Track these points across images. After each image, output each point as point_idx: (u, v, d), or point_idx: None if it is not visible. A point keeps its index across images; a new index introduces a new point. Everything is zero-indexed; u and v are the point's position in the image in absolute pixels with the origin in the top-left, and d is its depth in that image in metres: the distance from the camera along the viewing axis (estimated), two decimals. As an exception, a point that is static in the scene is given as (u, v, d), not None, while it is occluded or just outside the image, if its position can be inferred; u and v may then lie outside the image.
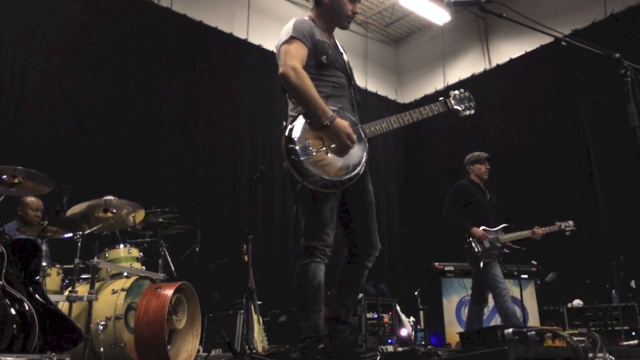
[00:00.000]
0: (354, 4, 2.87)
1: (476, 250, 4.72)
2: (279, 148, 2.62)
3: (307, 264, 2.64)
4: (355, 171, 2.64)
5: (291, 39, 2.65)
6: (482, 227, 4.79)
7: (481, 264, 4.68)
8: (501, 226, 4.88)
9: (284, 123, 2.68)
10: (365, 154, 2.70)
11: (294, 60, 2.59)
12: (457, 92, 3.03)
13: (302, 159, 2.51)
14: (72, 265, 3.69)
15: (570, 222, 5.02)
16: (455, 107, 3.00)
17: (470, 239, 4.76)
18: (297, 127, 2.58)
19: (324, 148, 2.59)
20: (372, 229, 2.87)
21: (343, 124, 2.61)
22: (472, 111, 3.01)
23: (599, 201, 7.01)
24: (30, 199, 4.90)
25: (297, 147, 2.52)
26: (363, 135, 2.73)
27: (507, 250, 4.81)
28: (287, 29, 2.70)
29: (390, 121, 2.82)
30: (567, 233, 5.02)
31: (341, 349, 2.68)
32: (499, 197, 5.14)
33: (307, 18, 2.84)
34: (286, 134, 2.58)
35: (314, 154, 2.55)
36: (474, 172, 5.07)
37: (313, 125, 2.59)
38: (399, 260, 9.12)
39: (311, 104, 2.57)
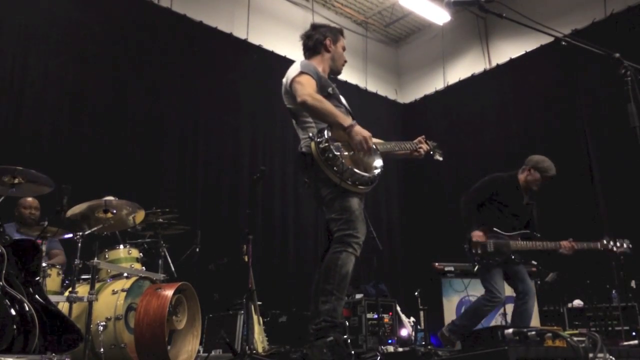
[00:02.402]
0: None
1: (473, 251, 4.42)
2: (305, 157, 2.86)
3: (340, 252, 2.79)
4: (379, 169, 2.92)
5: (301, 74, 2.96)
6: (481, 229, 4.38)
7: (476, 267, 4.38)
8: (518, 232, 4.43)
9: (302, 149, 2.98)
10: (381, 160, 2.98)
11: (308, 88, 2.90)
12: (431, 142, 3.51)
13: (337, 154, 2.76)
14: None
15: (625, 243, 4.24)
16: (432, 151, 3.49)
17: (471, 239, 4.44)
18: (324, 137, 2.82)
19: (348, 154, 2.85)
20: None
21: (363, 129, 2.87)
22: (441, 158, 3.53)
23: (599, 201, 7.01)
24: (23, 198, 4.85)
25: (331, 146, 2.76)
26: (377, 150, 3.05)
27: (514, 257, 4.35)
28: (295, 68, 3.01)
29: (391, 144, 3.24)
30: (619, 254, 4.31)
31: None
32: (539, 207, 4.65)
33: (308, 62, 3.14)
34: (314, 144, 2.82)
35: (345, 152, 2.83)
36: (528, 174, 4.48)
37: (336, 134, 2.86)
38: (399, 260, 9.12)
39: (332, 114, 2.86)
